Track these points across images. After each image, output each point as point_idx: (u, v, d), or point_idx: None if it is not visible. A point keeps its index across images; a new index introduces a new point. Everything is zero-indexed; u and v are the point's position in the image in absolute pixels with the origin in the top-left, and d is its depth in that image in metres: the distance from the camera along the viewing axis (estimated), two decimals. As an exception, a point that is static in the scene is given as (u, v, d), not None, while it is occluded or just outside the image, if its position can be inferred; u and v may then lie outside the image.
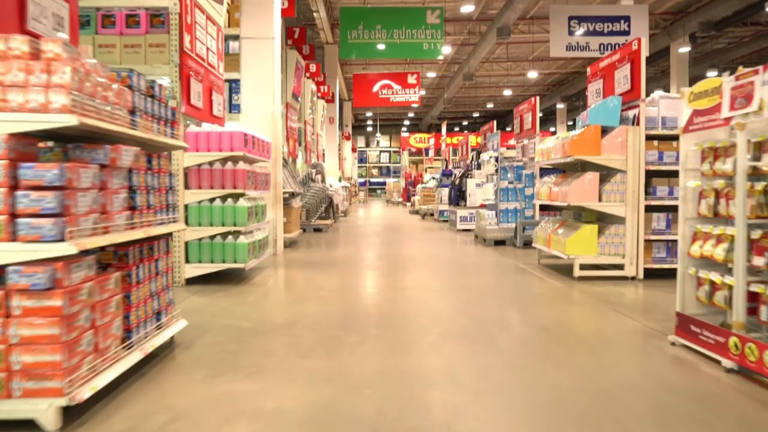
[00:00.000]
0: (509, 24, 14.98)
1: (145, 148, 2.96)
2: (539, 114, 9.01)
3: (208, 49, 5.83)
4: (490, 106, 33.80)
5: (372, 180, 38.89)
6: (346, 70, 23.95)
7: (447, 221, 13.76)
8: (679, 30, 16.37)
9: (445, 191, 14.12)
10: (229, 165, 5.43)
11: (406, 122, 39.82)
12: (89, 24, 5.06)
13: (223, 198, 5.49)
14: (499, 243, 9.06)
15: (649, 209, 5.54)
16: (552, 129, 30.35)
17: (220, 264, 5.48)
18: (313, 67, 14.85)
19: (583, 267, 5.64)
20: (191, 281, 5.47)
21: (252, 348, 3.36)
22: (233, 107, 8.53)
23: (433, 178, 18.23)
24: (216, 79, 6.11)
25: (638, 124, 5.45)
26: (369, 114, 35.50)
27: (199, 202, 5.42)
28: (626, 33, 12.75)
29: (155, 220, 2.94)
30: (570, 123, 31.94)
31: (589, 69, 6.53)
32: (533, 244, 6.83)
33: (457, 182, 12.58)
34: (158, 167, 3.02)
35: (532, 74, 22.96)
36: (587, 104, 6.55)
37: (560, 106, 28.62)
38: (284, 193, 9.24)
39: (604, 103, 5.64)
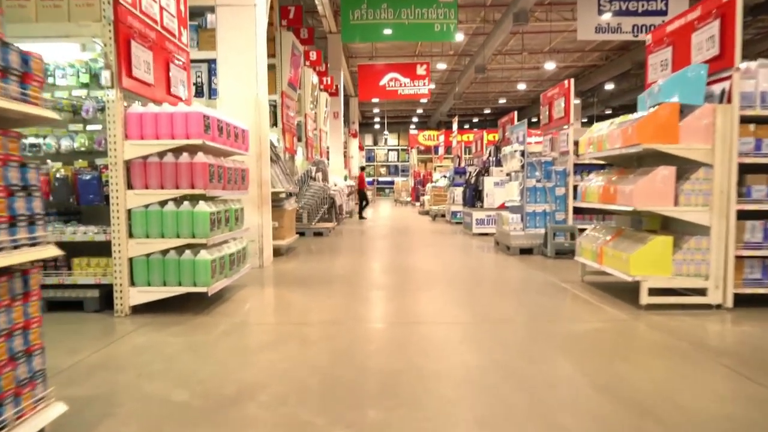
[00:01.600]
0: (527, 9, 13.61)
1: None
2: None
3: (162, 9, 4.52)
4: (502, 101, 32.33)
5: (380, 179, 37.61)
6: (352, 63, 22.59)
7: (461, 223, 12.40)
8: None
9: (458, 191, 12.78)
10: (186, 157, 4.12)
11: (415, 119, 38.49)
12: (-8, -33, 3.78)
13: (179, 201, 4.19)
14: (525, 251, 7.70)
15: (740, 216, 4.17)
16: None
17: (175, 287, 4.18)
18: (313, 55, 13.51)
19: (650, 292, 4.28)
20: (140, 309, 4.18)
21: (168, 453, 2.04)
22: (213, 92, 7.26)
23: (444, 176, 16.82)
24: (176, 49, 4.80)
25: (729, 101, 4.07)
26: (376, 111, 34.17)
27: (147, 207, 4.12)
28: (663, 13, 11.36)
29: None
30: (585, 120, 30.39)
31: (650, 36, 5.13)
32: (576, 257, 5.46)
33: (472, 181, 11.22)
34: (-17, 151, 1.72)
35: (550, 65, 21.47)
36: (646, 84, 5.16)
37: (576, 101, 27.14)
38: (280, 193, 7.95)
39: (682, 74, 4.26)
